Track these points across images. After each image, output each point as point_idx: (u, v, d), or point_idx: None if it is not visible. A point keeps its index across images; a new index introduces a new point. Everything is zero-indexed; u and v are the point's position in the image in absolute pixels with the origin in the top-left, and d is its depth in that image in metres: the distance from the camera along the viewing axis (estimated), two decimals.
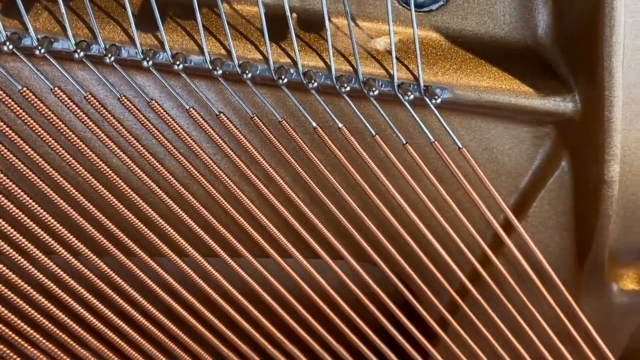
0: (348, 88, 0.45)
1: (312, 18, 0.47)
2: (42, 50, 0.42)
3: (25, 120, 0.45)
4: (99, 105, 0.46)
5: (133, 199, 0.48)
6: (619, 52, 0.44)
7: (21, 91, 0.44)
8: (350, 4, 0.48)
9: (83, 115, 0.46)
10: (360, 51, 0.47)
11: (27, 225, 0.47)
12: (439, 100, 0.46)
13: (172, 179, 0.49)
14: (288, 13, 0.43)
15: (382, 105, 0.48)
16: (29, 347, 0.53)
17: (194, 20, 0.44)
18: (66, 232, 0.49)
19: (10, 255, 0.48)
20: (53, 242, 0.49)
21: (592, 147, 0.49)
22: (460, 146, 0.49)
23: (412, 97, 0.46)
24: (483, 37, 0.49)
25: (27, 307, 0.51)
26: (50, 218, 0.48)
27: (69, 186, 0.47)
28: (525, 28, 0.49)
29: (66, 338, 0.54)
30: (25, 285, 0.50)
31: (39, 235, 0.48)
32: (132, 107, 0.46)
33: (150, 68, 0.44)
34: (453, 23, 0.49)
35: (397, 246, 0.55)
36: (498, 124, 0.52)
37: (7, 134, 0.45)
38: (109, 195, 0.48)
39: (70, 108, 0.45)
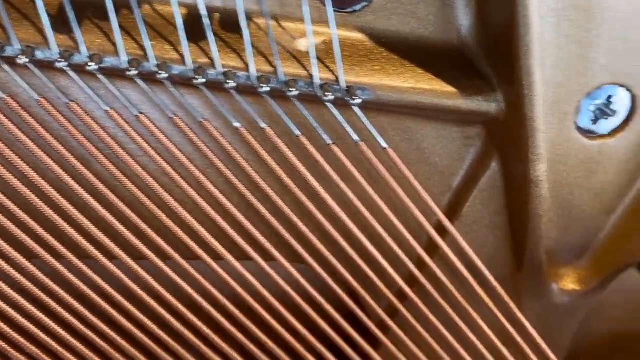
0: (268, 88, 0.45)
1: (234, 18, 0.47)
2: None
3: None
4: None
5: None
6: (535, 51, 0.44)
7: None
8: (275, 4, 0.48)
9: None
10: (283, 52, 0.47)
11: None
12: (357, 101, 0.46)
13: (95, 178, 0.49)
14: (204, 12, 0.43)
15: (314, 106, 0.48)
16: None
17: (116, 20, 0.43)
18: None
19: None
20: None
21: (517, 147, 0.49)
22: (385, 146, 0.49)
23: (332, 97, 0.46)
24: (407, 38, 0.49)
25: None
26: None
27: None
28: (449, 28, 0.49)
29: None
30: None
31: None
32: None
33: (66, 69, 0.44)
34: (377, 23, 0.49)
35: (335, 250, 0.55)
36: (427, 124, 0.52)
37: None
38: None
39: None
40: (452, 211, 0.56)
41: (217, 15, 0.48)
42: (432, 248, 0.57)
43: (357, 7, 0.48)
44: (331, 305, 0.58)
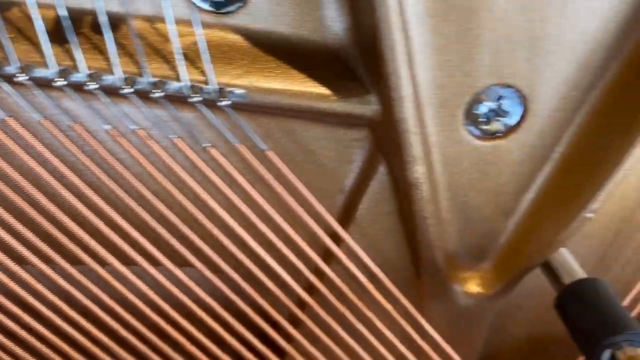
0: (132, 89, 0.44)
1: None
2: None
3: None
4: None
5: None
6: (399, 53, 0.43)
7: None
8: (148, 6, 0.47)
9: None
10: (154, 53, 0.46)
11: None
12: (226, 102, 0.45)
13: None
14: (64, 13, 0.42)
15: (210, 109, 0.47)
16: None
17: None
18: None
19: None
20: None
21: (395, 149, 0.49)
22: (265, 148, 0.49)
23: (199, 98, 0.45)
24: (284, 39, 0.49)
25: None
26: None
27: None
28: (326, 30, 0.48)
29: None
30: None
31: None
32: None
33: None
34: (253, 24, 0.48)
35: (230, 257, 0.54)
36: (313, 126, 0.52)
37: None
38: None
39: None
40: (347, 214, 0.56)
41: (89, 17, 0.47)
42: (330, 253, 0.57)
43: (232, 8, 0.47)
44: (235, 315, 0.57)
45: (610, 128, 0.51)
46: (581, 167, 0.53)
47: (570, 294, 0.54)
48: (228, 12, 0.48)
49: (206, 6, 0.47)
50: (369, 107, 0.48)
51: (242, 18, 0.48)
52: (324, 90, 0.47)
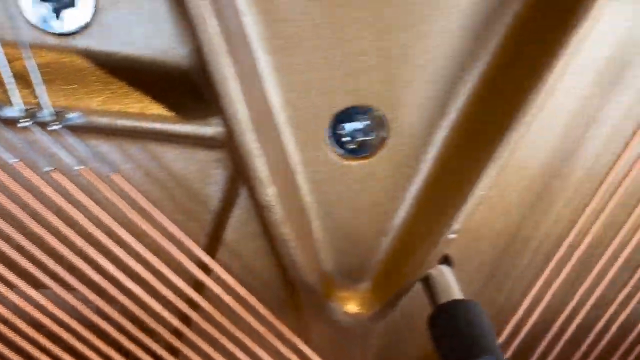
0: None
1: None
2: None
3: None
4: None
5: None
6: (230, 75, 0.42)
7: None
8: None
9: None
10: None
11: None
12: (55, 126, 0.44)
13: None
14: None
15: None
16: None
17: None
18: None
19: None
20: None
21: (244, 171, 0.48)
22: (110, 172, 0.48)
23: (29, 122, 0.44)
24: (129, 61, 0.48)
25: None
26: None
27: None
28: (172, 52, 0.47)
29: None
30: None
31: None
32: None
33: None
34: (97, 46, 0.47)
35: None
36: (172, 147, 0.51)
37: None
38: None
39: None
40: (216, 236, 0.55)
41: None
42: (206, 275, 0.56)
43: (73, 29, 0.46)
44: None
45: (469, 144, 0.51)
46: (446, 185, 0.53)
47: (440, 314, 0.53)
48: (71, 34, 0.47)
49: (47, 27, 0.46)
50: (213, 128, 0.47)
51: (86, 40, 0.47)
52: (165, 112, 0.46)
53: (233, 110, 0.44)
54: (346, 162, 0.53)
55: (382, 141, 0.53)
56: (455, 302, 0.54)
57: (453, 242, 0.54)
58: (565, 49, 0.42)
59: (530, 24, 0.46)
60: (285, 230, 0.50)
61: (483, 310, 0.53)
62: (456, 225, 0.51)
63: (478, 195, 0.49)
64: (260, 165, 0.46)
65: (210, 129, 0.47)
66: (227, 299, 0.54)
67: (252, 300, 0.55)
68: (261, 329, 0.56)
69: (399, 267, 0.57)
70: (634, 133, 0.52)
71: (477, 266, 0.62)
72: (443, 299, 0.55)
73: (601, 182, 0.54)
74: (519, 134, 0.46)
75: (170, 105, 0.47)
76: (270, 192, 0.48)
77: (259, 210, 0.50)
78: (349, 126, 0.52)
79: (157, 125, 0.47)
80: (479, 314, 0.53)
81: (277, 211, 0.49)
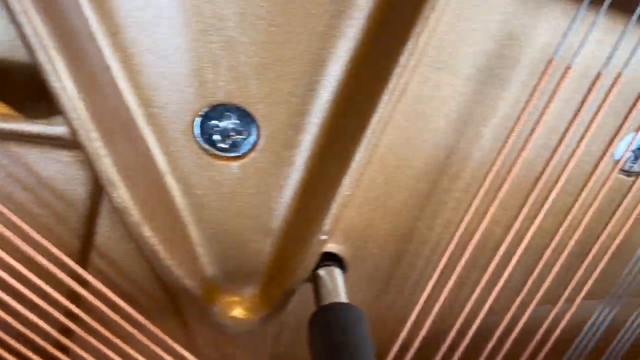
0: None
1: None
2: None
3: None
4: None
5: None
6: (62, 73, 0.41)
7: None
8: None
9: None
10: None
11: None
12: None
13: None
14: None
15: None
16: None
17: None
18: None
19: None
20: None
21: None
22: None
23: None
24: None
25: None
26: None
27: None
28: (20, 48, 0.46)
29: None
30: None
31: None
32: None
33: None
34: None
35: None
36: (32, 148, 0.49)
37: None
38: None
39: None
40: (88, 239, 0.53)
41: None
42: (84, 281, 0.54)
43: None
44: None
45: (334, 144, 0.49)
46: (316, 185, 0.51)
47: (317, 317, 0.51)
48: None
49: None
50: (58, 128, 0.45)
51: None
52: (6, 110, 0.45)
53: (71, 109, 0.42)
54: (220, 163, 0.52)
55: (255, 142, 0.51)
56: (334, 305, 0.52)
57: (346, 242, 0.53)
58: (408, 45, 0.41)
59: (384, 24, 0.44)
60: (146, 232, 0.48)
61: (362, 317, 0.51)
62: (326, 227, 0.49)
63: (343, 195, 0.47)
64: (107, 166, 0.44)
65: (56, 128, 0.45)
66: (99, 304, 0.52)
67: (124, 305, 0.53)
68: (139, 335, 0.54)
69: (283, 270, 0.56)
70: (511, 130, 0.51)
71: (371, 271, 0.60)
72: (325, 301, 0.53)
73: (483, 181, 0.53)
74: (375, 133, 0.45)
75: (15, 104, 0.45)
76: (121, 194, 0.46)
77: (118, 212, 0.48)
78: (220, 126, 0.50)
79: (3, 125, 0.45)
80: (357, 320, 0.51)
81: (133, 213, 0.47)
